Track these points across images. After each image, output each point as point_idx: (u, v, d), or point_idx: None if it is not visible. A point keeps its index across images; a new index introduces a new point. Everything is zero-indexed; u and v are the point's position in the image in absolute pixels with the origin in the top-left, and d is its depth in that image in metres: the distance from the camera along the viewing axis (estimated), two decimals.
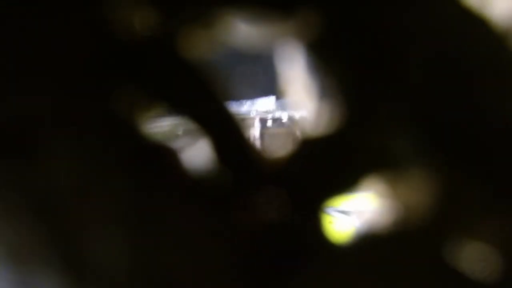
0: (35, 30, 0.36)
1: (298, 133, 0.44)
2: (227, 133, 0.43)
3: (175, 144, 0.43)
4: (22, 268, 0.37)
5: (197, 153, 0.43)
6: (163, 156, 0.42)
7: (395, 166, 0.41)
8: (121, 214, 0.38)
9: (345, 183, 0.43)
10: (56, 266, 0.37)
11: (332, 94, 0.42)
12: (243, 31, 0.42)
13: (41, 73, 0.37)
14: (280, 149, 0.45)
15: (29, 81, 0.37)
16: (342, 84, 0.41)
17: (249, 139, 0.46)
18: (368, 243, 0.42)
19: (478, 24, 0.37)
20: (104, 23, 0.38)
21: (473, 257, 0.37)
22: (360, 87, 0.41)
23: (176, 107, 0.43)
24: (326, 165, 0.42)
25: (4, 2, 0.35)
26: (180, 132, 0.45)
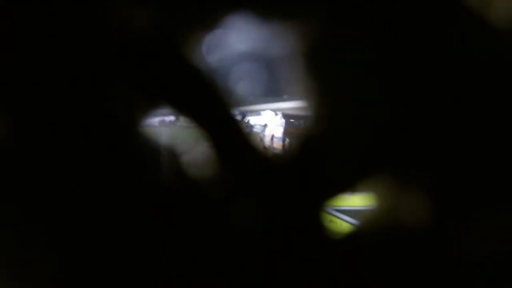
0: (35, 30, 0.36)
1: (297, 133, 0.44)
2: (227, 133, 0.43)
3: (176, 145, 0.43)
4: None
5: (199, 153, 0.43)
6: (165, 156, 0.42)
7: (394, 168, 0.41)
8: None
9: (345, 182, 0.43)
10: None
11: (332, 94, 0.42)
12: (244, 32, 0.42)
13: (41, 72, 0.37)
14: (280, 148, 0.45)
15: (29, 81, 0.37)
16: (341, 84, 0.41)
17: (249, 138, 0.46)
18: (367, 241, 0.42)
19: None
20: (105, 23, 0.38)
21: (471, 255, 0.37)
22: (360, 88, 0.41)
23: (177, 107, 0.43)
24: (326, 164, 0.42)
25: (5, 2, 0.35)
26: (181, 133, 0.46)
